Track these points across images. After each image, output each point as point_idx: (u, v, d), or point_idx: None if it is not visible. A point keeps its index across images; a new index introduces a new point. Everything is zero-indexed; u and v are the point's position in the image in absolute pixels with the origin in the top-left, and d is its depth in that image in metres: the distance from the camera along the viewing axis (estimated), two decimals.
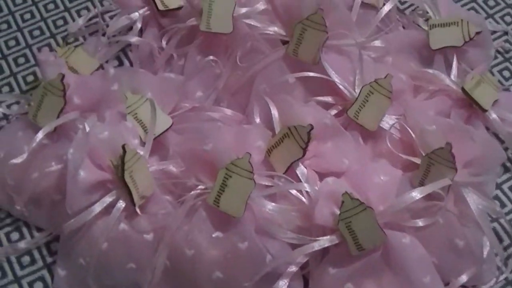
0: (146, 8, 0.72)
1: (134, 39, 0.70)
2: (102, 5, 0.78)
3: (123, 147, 0.56)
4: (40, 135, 0.61)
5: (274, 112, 0.63)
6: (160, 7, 0.70)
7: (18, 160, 0.60)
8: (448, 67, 0.70)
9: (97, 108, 0.64)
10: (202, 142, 0.58)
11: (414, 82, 0.68)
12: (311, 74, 0.64)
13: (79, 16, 0.78)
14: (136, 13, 0.71)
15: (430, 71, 0.68)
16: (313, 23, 0.64)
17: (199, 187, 0.58)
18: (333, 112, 0.64)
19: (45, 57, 0.67)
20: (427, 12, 0.72)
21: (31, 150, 0.61)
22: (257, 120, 0.64)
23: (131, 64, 0.73)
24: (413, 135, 0.62)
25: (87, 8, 0.79)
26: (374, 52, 0.67)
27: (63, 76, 0.63)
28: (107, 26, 0.74)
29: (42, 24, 0.78)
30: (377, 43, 0.66)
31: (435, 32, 0.69)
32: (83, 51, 0.71)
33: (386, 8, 0.70)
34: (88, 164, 0.57)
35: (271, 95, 0.64)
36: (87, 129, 0.60)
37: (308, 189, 0.57)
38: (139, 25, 0.71)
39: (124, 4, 0.72)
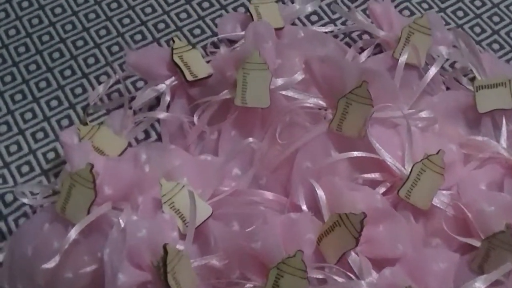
0: (173, 78, 0.66)
1: (163, 115, 0.65)
2: (122, 70, 0.72)
3: (164, 247, 0.53)
4: (72, 234, 0.56)
5: (321, 195, 0.59)
6: (189, 78, 0.65)
7: (50, 265, 0.55)
8: (496, 129, 0.66)
9: (129, 194, 0.60)
10: (250, 239, 0.54)
11: (463, 150, 0.64)
12: (358, 154, 0.60)
13: (99, 82, 0.72)
14: (163, 85, 0.66)
15: (480, 138, 0.64)
16: (358, 97, 0.60)
17: (247, 285, 0.55)
18: (382, 189, 0.61)
19: (69, 140, 0.62)
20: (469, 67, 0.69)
21: (63, 251, 0.56)
22: (303, 206, 0.59)
23: (159, 137, 0.68)
24: (469, 215, 0.58)
25: (107, 74, 0.72)
26: (421, 121, 0.63)
27: (93, 166, 0.58)
28: (132, 98, 0.68)
29: (59, 93, 0.71)
30: (425, 113, 0.62)
31: (482, 95, 0.65)
32: (108, 128, 0.65)
33: (431, 72, 0.66)
34: (127, 266, 0.53)
35: (315, 175, 0.60)
36: (122, 224, 0.56)
37: (366, 287, 0.54)
38: (168, 98, 0.65)
39: (149, 75, 0.67)
